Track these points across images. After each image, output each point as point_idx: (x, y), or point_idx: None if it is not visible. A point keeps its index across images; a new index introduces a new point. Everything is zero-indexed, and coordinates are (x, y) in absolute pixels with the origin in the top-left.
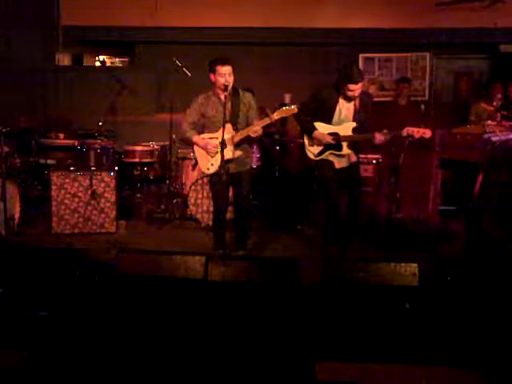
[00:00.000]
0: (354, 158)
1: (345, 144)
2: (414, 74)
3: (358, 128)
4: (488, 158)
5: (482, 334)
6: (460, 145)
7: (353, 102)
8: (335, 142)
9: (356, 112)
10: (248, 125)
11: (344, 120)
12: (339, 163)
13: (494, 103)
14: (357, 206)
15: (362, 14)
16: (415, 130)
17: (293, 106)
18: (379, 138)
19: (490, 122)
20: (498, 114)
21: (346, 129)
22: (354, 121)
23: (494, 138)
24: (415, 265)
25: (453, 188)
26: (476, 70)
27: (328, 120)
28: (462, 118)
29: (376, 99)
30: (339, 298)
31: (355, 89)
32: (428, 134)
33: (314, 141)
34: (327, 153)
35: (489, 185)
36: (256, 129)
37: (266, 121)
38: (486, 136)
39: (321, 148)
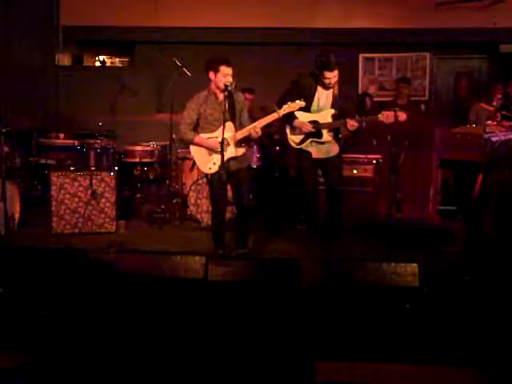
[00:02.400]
0: (335, 151)
1: (325, 131)
2: (414, 73)
3: (338, 115)
4: (488, 158)
5: (482, 334)
6: (460, 145)
7: (331, 90)
8: (315, 130)
9: (335, 99)
10: (241, 124)
11: (323, 108)
12: (317, 153)
13: (494, 103)
14: (336, 204)
15: (362, 14)
16: (390, 113)
17: (297, 101)
18: (350, 122)
19: (489, 122)
20: (498, 114)
21: (325, 116)
22: (332, 108)
23: (494, 138)
24: (415, 265)
25: (453, 188)
26: (476, 70)
27: (307, 108)
28: (462, 118)
29: (376, 99)
30: (339, 298)
31: (331, 76)
32: (403, 116)
33: (295, 130)
34: (308, 141)
35: (489, 185)
36: (262, 124)
37: (274, 116)
38: (485, 136)
39: (302, 136)
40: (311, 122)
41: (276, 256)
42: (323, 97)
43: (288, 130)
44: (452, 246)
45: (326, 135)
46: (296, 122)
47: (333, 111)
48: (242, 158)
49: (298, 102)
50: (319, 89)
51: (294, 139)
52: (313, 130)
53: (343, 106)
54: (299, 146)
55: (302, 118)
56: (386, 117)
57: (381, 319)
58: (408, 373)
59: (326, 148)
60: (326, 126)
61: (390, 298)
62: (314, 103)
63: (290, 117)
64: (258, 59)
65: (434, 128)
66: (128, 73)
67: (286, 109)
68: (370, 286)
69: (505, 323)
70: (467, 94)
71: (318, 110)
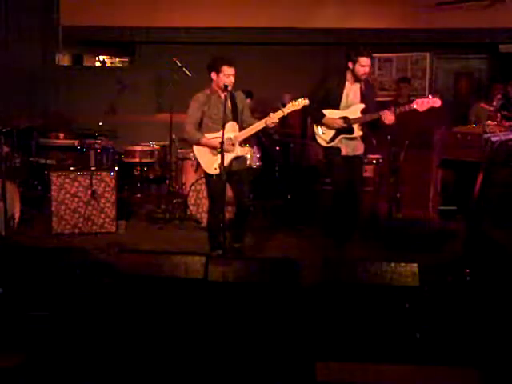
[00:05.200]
0: (360, 149)
1: (356, 126)
2: (414, 73)
3: (366, 109)
4: (488, 158)
5: (482, 334)
6: (460, 145)
7: (359, 85)
8: (347, 126)
9: (362, 94)
10: (245, 122)
11: (352, 103)
12: (346, 149)
13: (494, 103)
14: (354, 202)
15: (362, 13)
16: (424, 100)
17: (301, 99)
18: (388, 115)
19: (490, 122)
20: (498, 114)
21: (355, 111)
22: (361, 102)
23: (494, 138)
24: (415, 265)
25: (453, 188)
26: (476, 70)
27: (336, 106)
28: (462, 118)
29: (376, 99)
30: (339, 297)
31: (366, 64)
32: (438, 102)
33: (324, 127)
34: (339, 137)
35: (489, 185)
36: (272, 120)
37: (279, 114)
38: (485, 136)
39: (333, 133)
40: (341, 118)
41: (276, 256)
42: (351, 92)
43: (316, 130)
44: (452, 246)
45: (357, 130)
46: (326, 119)
47: (362, 106)
48: (243, 159)
49: (300, 100)
50: (347, 84)
51: (323, 137)
52: (345, 125)
53: (370, 100)
54: (330, 144)
55: (332, 115)
56: (421, 104)
57: (381, 319)
58: (408, 373)
59: (353, 145)
60: (357, 120)
61: (390, 298)
62: (343, 100)
63: (317, 115)
64: (257, 59)
65: (434, 128)
66: (128, 73)
67: (289, 107)
68: (369, 286)
69: (505, 323)
70: (467, 94)
71: (347, 106)
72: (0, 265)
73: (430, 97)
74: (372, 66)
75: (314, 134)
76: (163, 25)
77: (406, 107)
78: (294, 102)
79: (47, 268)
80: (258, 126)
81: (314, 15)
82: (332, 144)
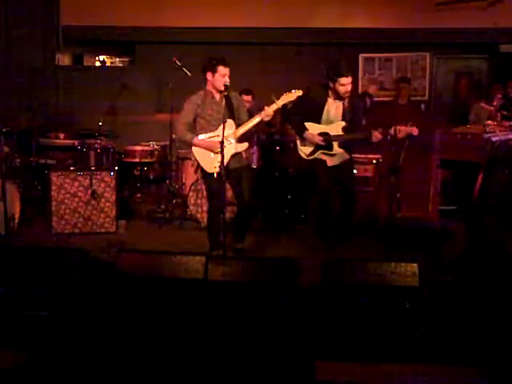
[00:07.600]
0: (346, 156)
1: (335, 143)
2: (414, 73)
3: (348, 127)
4: (488, 158)
5: (482, 333)
6: (460, 145)
7: (342, 102)
8: (326, 143)
9: (345, 111)
10: (240, 120)
11: (333, 119)
12: (331, 161)
13: (494, 103)
14: (350, 205)
15: (362, 14)
16: (402, 128)
17: (294, 91)
18: (377, 135)
19: (489, 121)
20: (498, 114)
21: (336, 128)
22: (343, 120)
23: (494, 138)
24: (415, 265)
25: (453, 188)
26: (476, 70)
27: (317, 119)
28: (462, 118)
29: (376, 99)
30: (339, 297)
31: (347, 83)
32: (415, 131)
33: (305, 141)
34: (319, 152)
35: (489, 185)
36: (267, 113)
37: (274, 106)
38: (485, 136)
39: (312, 148)
40: (322, 134)
41: (276, 256)
42: (333, 108)
43: (298, 141)
44: (452, 246)
45: (337, 148)
46: (306, 134)
47: (343, 124)
48: (240, 157)
49: (294, 91)
50: (329, 100)
51: (303, 150)
52: (323, 143)
53: (352, 117)
54: (310, 158)
55: (313, 129)
56: (399, 131)
57: (381, 319)
58: (408, 373)
59: (339, 156)
60: (338, 138)
61: (390, 298)
62: (324, 114)
63: (300, 128)
64: (257, 59)
65: (434, 128)
66: (128, 73)
67: (283, 99)
68: (369, 286)
69: (505, 322)
70: (467, 94)
71: (328, 122)
72: (0, 265)
73: (408, 125)
74: (372, 66)
75: (296, 146)
76: (163, 25)
77: (387, 132)
78: (287, 93)
79: (47, 268)
80: (254, 120)
81: (314, 15)
82: (313, 157)
